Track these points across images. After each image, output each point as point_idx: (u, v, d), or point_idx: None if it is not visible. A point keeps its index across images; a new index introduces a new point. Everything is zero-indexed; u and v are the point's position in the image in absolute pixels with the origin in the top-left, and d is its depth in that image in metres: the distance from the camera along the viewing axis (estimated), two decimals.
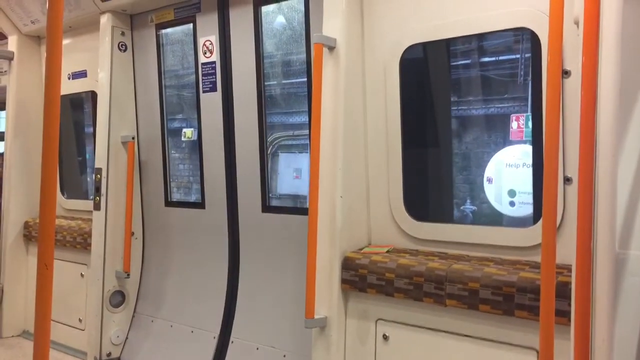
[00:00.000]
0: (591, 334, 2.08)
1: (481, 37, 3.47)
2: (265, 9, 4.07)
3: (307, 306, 3.06)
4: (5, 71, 5.75)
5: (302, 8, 3.84)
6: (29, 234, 5.55)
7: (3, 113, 5.93)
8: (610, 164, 2.08)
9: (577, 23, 2.25)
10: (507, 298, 2.54)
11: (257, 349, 4.04)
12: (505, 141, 4.10)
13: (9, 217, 5.53)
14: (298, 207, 4.27)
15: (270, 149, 4.42)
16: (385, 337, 3.06)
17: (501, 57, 4.12)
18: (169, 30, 4.71)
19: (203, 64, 4.40)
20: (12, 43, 5.61)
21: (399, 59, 3.16)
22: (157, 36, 4.74)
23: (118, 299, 4.78)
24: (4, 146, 5.72)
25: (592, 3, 2.08)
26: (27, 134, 5.55)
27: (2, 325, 5.51)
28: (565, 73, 2.56)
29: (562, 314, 2.30)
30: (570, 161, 2.58)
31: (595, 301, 2.08)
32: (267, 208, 4.15)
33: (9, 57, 5.58)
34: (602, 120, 2.10)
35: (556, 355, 2.10)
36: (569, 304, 2.24)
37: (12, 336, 5.52)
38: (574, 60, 2.50)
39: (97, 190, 4.71)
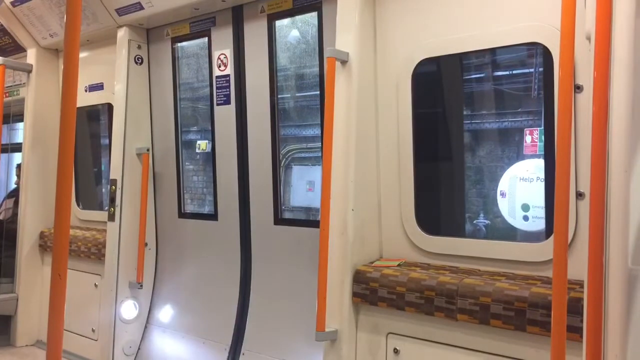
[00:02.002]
0: (603, 350, 2.06)
1: (494, 51, 3.47)
2: (279, 23, 4.12)
3: (318, 319, 3.05)
4: (23, 83, 5.85)
5: (316, 22, 3.87)
6: (44, 244, 5.60)
7: (21, 124, 6.02)
8: (622, 179, 2.07)
9: (588, 38, 2.25)
10: (518, 313, 2.52)
11: None
12: (518, 155, 4.08)
13: (25, 227, 5.59)
14: (310, 220, 4.28)
15: (283, 161, 4.44)
16: (396, 351, 3.04)
17: (515, 71, 4.11)
18: (184, 43, 4.78)
19: (217, 77, 4.45)
20: (31, 56, 5.71)
21: (411, 72, 3.18)
22: (173, 49, 4.80)
23: (131, 309, 4.80)
24: (21, 157, 5.79)
25: (603, 18, 2.08)
26: (44, 145, 5.63)
27: (16, 335, 5.55)
28: (577, 88, 2.55)
29: (574, 330, 2.28)
30: (582, 176, 2.56)
31: (608, 317, 2.06)
32: (279, 220, 4.16)
33: (28, 70, 5.68)
34: (614, 135, 2.09)
35: None
36: (581, 320, 2.22)
37: (26, 345, 5.56)
38: (586, 75, 2.50)
39: (112, 201, 4.75)
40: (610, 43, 2.10)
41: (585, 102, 2.51)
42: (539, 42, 2.75)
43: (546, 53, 2.74)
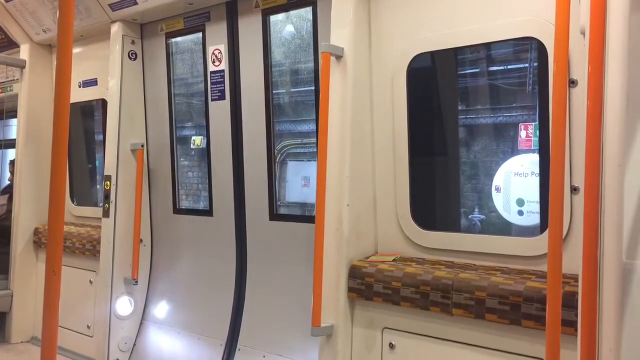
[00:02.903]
0: (598, 343, 2.07)
1: (489, 46, 3.47)
2: (274, 18, 4.10)
3: (314, 314, 3.06)
4: (17, 79, 5.82)
5: (311, 17, 3.86)
6: (38, 241, 5.59)
7: (15, 120, 5.99)
8: (616, 173, 2.08)
9: (583, 33, 2.25)
10: (513, 307, 2.53)
11: (264, 356, 4.05)
12: (513, 150, 4.09)
13: (19, 223, 5.57)
14: (306, 215, 4.28)
15: (278, 157, 4.43)
16: (391, 346, 3.05)
17: (509, 66, 4.11)
18: (178, 39, 4.76)
19: (212, 72, 4.44)
20: (24, 51, 5.67)
21: (406, 67, 3.18)
22: (167, 45, 4.78)
23: (126, 305, 4.79)
24: (15, 153, 5.77)
25: (598, 12, 2.08)
26: (38, 142, 5.61)
27: (11, 331, 5.54)
28: (572, 82, 2.56)
29: (569, 324, 2.29)
30: (577, 170, 2.57)
31: (602, 311, 2.07)
32: (274, 216, 4.16)
33: (21, 66, 5.65)
34: (608, 129, 2.10)
35: None
36: (576, 314, 2.23)
37: (21, 342, 5.55)
38: (580, 70, 2.50)
39: (107, 197, 4.74)
40: (605, 38, 2.10)
41: (579, 96, 2.52)
42: (534, 37, 2.75)
43: (541, 48, 2.74)
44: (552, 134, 2.16)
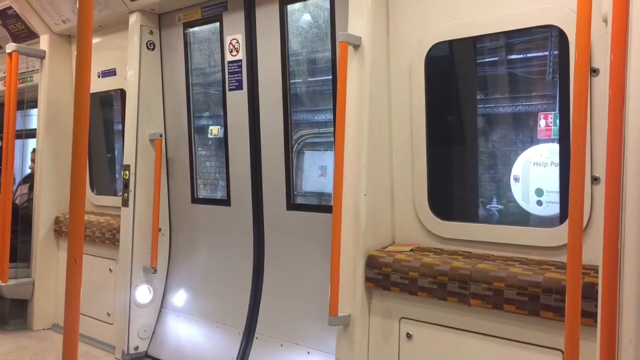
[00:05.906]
0: (617, 335, 2.05)
1: (508, 34, 3.43)
2: (291, 7, 4.09)
3: (331, 304, 3.07)
4: (37, 69, 5.87)
5: (328, 6, 3.84)
6: (59, 229, 5.66)
7: (35, 111, 6.06)
8: (638, 163, 2.05)
9: (605, 21, 2.22)
10: (532, 298, 2.52)
11: (282, 345, 4.07)
12: (532, 139, 4.05)
13: (40, 212, 5.64)
14: (323, 205, 4.28)
15: (295, 146, 4.43)
16: (408, 336, 3.06)
17: (529, 54, 4.06)
18: (196, 29, 4.77)
19: (229, 62, 4.44)
20: (44, 42, 5.72)
21: (424, 57, 3.15)
22: (185, 35, 4.79)
23: (145, 294, 4.85)
24: (35, 143, 5.84)
25: (620, 0, 2.04)
26: (58, 131, 5.66)
27: (33, 319, 5.63)
28: (594, 71, 2.52)
29: (588, 315, 2.27)
30: (597, 161, 2.54)
31: (622, 302, 2.05)
32: (291, 206, 4.17)
33: (41, 56, 5.70)
34: (630, 119, 2.07)
35: (582, 356, 2.08)
36: (596, 305, 2.21)
37: (43, 329, 5.65)
38: (602, 59, 2.46)
39: (126, 186, 4.79)
40: (628, 26, 2.07)
41: (601, 85, 2.48)
42: (555, 25, 2.71)
43: (562, 36, 2.70)
44: (573, 123, 2.13)
